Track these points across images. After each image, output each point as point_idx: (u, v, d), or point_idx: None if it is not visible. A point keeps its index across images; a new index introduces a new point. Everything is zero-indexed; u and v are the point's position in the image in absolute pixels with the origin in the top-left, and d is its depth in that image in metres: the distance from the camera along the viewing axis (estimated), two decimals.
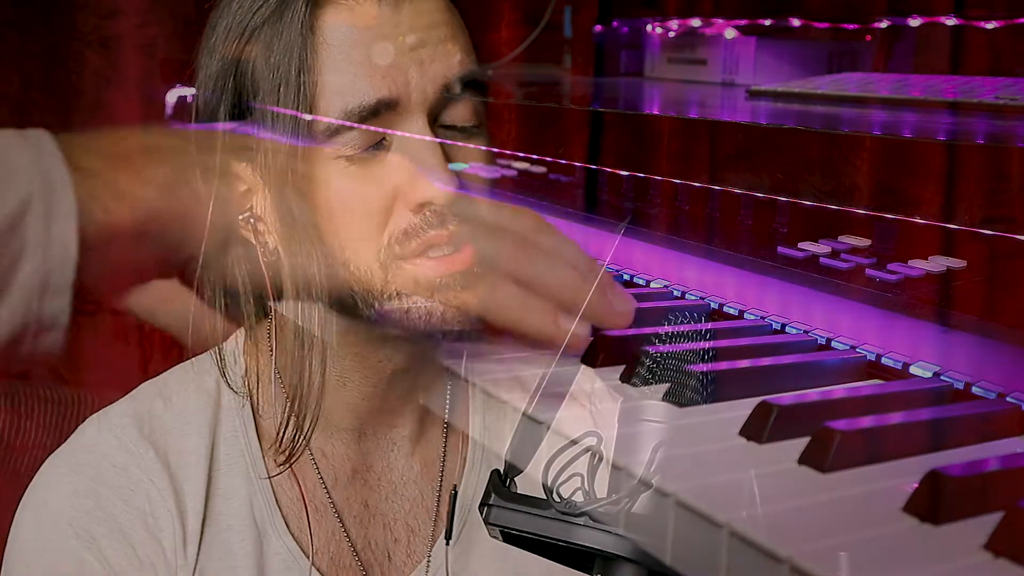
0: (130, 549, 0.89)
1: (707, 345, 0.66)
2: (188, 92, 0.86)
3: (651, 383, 0.62)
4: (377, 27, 0.83)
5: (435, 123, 0.84)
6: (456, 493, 0.96)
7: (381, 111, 0.82)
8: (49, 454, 0.94)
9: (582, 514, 0.58)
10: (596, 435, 0.57)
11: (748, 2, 1.48)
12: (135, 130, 0.69)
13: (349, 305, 0.84)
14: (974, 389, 0.61)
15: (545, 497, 0.59)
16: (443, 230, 0.82)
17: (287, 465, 0.90)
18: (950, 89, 1.03)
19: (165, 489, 0.91)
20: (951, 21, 1.17)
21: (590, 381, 0.66)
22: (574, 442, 0.57)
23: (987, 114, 0.95)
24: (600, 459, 0.56)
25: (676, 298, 0.80)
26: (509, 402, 0.64)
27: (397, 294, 0.82)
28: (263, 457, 0.93)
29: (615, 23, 1.68)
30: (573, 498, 0.58)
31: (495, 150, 0.88)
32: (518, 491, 0.63)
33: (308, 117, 0.82)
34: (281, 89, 0.82)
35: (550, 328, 0.68)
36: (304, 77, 0.82)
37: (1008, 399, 0.59)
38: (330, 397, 0.91)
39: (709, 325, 0.67)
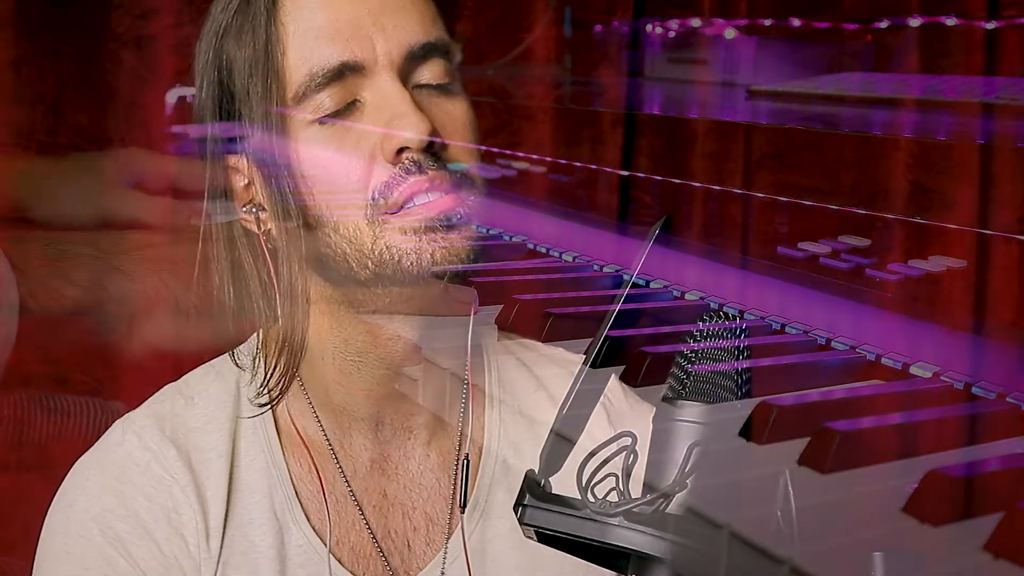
0: (154, 545, 0.91)
1: (710, 345, 0.66)
2: (188, 92, 0.89)
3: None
4: None
5: (407, 83, 0.87)
6: (468, 461, 0.97)
7: (346, 74, 0.84)
8: None
9: (617, 514, 0.58)
10: (631, 435, 0.57)
11: (782, 3, 1.47)
12: (60, 237, 0.80)
13: (345, 269, 0.86)
14: (974, 389, 0.61)
15: (580, 497, 0.59)
16: (422, 176, 0.83)
17: (268, 407, 0.92)
18: (950, 89, 1.03)
19: (187, 485, 0.92)
20: (951, 21, 1.17)
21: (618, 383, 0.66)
22: (609, 442, 0.57)
23: (988, 114, 0.95)
24: (635, 459, 0.57)
25: (676, 298, 0.80)
26: (536, 416, 0.63)
27: (387, 247, 0.84)
28: (282, 451, 0.95)
29: (615, 23, 1.68)
30: (608, 498, 0.58)
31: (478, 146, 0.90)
32: (552, 491, 0.63)
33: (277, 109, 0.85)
34: (251, 67, 0.85)
35: None
36: (271, 50, 0.85)
37: (1008, 399, 0.59)
38: (345, 385, 0.93)
39: (711, 325, 0.67)
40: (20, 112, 1.83)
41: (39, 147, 1.51)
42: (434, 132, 0.84)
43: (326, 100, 0.84)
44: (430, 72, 0.88)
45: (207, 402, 0.96)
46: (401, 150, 0.84)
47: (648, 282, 0.83)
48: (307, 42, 0.85)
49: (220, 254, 0.90)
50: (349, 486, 0.95)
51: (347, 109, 0.85)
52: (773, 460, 0.53)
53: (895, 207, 0.77)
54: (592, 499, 0.58)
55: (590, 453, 0.58)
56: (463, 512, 0.96)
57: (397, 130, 0.84)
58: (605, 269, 0.86)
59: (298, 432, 0.96)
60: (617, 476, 0.58)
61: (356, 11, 0.85)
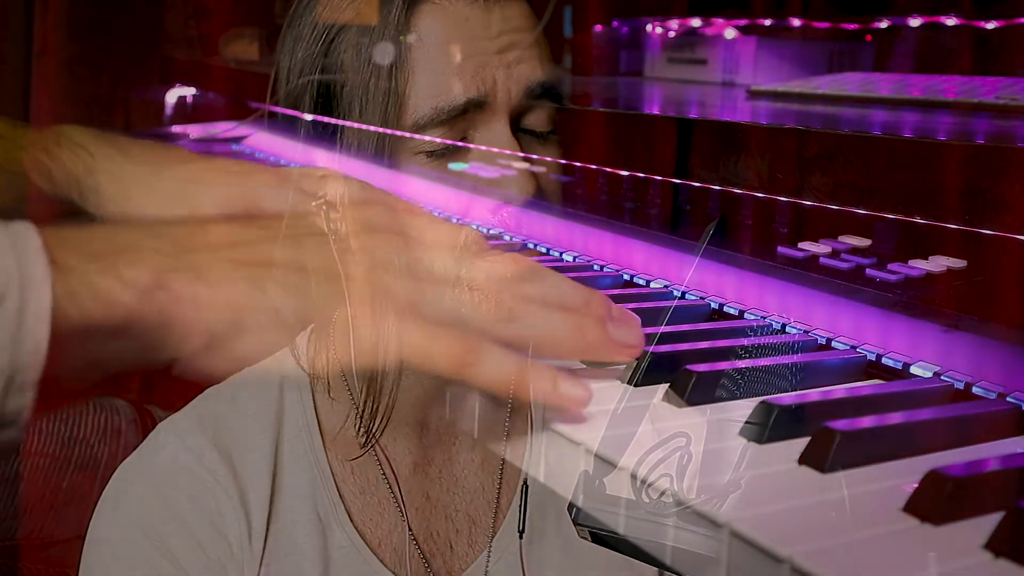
0: (198, 547, 0.91)
1: (710, 345, 0.66)
2: (188, 92, 0.87)
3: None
4: (469, 28, 0.85)
5: (518, 126, 0.87)
6: (527, 487, 0.96)
7: (469, 110, 0.84)
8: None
9: (671, 514, 0.58)
10: (685, 435, 0.57)
11: (838, 3, 1.46)
12: (117, 227, 0.62)
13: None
14: (974, 389, 0.61)
15: (634, 497, 0.59)
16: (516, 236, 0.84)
17: (367, 448, 0.92)
18: (950, 89, 1.03)
19: (230, 487, 0.92)
20: (951, 21, 1.17)
21: None
22: (664, 442, 0.57)
23: (987, 114, 0.96)
24: (690, 459, 0.57)
25: (676, 298, 0.80)
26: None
27: (470, 290, 0.82)
28: (325, 452, 0.95)
29: (615, 23, 1.68)
30: (662, 498, 0.58)
31: (563, 162, 0.89)
32: (607, 491, 0.62)
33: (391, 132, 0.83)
34: (372, 83, 0.84)
35: (548, 395, 0.61)
36: (396, 73, 0.83)
37: (1008, 399, 0.59)
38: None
39: (711, 325, 0.67)
40: (74, 111, 1.83)
41: None
42: (537, 190, 0.84)
43: (441, 135, 0.84)
44: (536, 117, 0.88)
45: (249, 402, 0.96)
46: (502, 205, 0.84)
47: (648, 282, 0.83)
48: (435, 76, 0.84)
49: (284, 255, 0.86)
50: (391, 488, 0.95)
51: (456, 147, 0.84)
52: (773, 460, 0.53)
53: (949, 209, 0.76)
54: (646, 499, 0.58)
55: (645, 453, 0.58)
56: (521, 537, 0.95)
57: (505, 184, 0.84)
58: (605, 269, 0.86)
59: (341, 433, 0.96)
60: (672, 476, 0.58)
61: (484, 46, 0.84)
